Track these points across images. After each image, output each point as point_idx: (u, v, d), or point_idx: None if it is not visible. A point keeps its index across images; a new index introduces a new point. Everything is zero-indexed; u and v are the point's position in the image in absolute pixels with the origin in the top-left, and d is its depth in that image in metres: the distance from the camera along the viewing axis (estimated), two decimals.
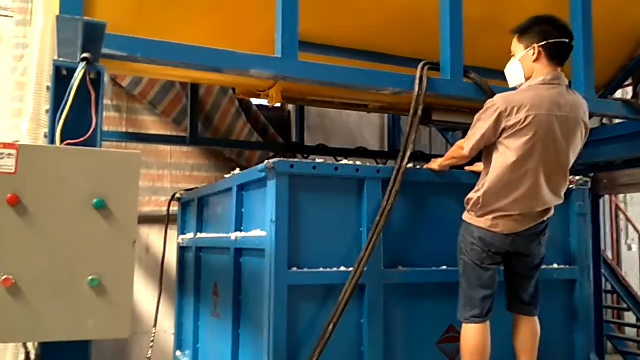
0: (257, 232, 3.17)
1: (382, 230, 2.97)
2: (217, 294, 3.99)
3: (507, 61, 3.06)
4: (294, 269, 2.90)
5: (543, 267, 3.13)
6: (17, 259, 1.81)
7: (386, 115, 7.55)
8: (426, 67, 3.35)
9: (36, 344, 2.11)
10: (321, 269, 2.95)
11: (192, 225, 4.65)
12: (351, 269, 2.93)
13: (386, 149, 7.10)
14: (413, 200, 3.25)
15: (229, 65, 2.98)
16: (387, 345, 3.05)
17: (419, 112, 3.22)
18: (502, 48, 3.14)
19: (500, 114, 2.75)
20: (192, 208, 4.73)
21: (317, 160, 3.13)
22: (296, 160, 3.04)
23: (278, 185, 2.90)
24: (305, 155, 6.61)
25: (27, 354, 2.11)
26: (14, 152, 1.85)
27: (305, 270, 2.92)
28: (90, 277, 1.88)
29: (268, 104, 4.45)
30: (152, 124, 6.79)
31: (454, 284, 3.01)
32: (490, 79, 3.57)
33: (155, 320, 5.02)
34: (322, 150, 6.11)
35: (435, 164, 3.23)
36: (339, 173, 3.07)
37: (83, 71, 2.19)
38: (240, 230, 3.48)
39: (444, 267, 3.19)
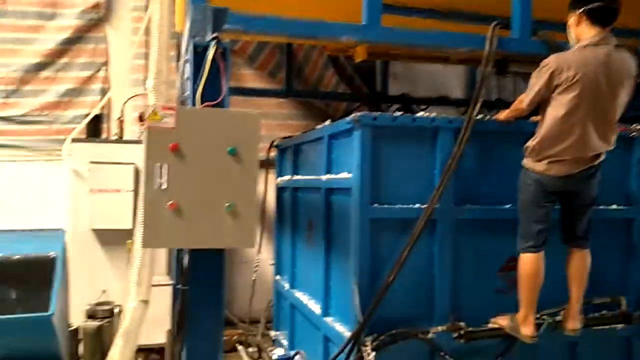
0: (344, 175, 3.78)
1: (453, 172, 3.48)
2: (311, 227, 4.69)
3: None
4: (375, 205, 3.50)
5: (603, 207, 3.55)
6: (178, 190, 2.53)
7: None
8: (497, 27, 3.73)
9: None
10: (398, 205, 3.54)
11: (288, 168, 5.35)
12: (425, 205, 3.48)
13: (470, 97, 7.26)
14: (481, 146, 3.71)
15: (322, 34, 3.54)
16: (454, 271, 3.62)
17: (489, 70, 3.64)
18: None
19: (552, 73, 3.16)
20: (288, 154, 5.42)
21: (397, 111, 3.64)
22: (378, 113, 3.57)
23: (362, 135, 3.47)
24: (389, 105, 7.07)
25: None
26: (173, 112, 2.54)
27: (385, 206, 3.52)
28: (227, 204, 2.58)
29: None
30: (250, 77, 7.53)
31: (514, 219, 3.50)
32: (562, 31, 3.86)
33: (259, 250, 5.88)
34: (405, 99, 6.53)
35: (501, 115, 3.67)
36: (416, 123, 3.59)
37: (214, 48, 2.83)
38: (330, 173, 4.11)
39: (507, 206, 3.67)
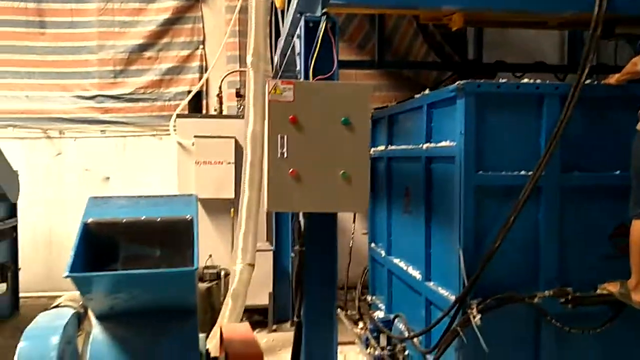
0: (446, 143, 3.83)
1: (559, 139, 3.44)
2: (408, 195, 4.79)
3: None
4: (480, 172, 3.54)
5: None
6: (298, 158, 2.72)
7: None
8: None
9: None
10: (503, 173, 3.56)
11: (383, 139, 5.45)
12: (530, 173, 3.48)
13: (566, 62, 7.04)
14: (589, 112, 3.63)
15: (424, 4, 3.57)
16: (561, 237, 3.61)
17: (598, 32, 3.53)
18: None
19: None
20: (382, 124, 5.51)
21: (485, 78, 3.62)
22: (482, 80, 3.57)
23: (467, 103, 3.50)
24: (483, 73, 6.92)
25: None
26: (291, 86, 2.72)
27: (489, 173, 3.55)
28: (342, 171, 2.74)
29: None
30: (340, 49, 7.62)
31: (624, 186, 3.42)
32: None
33: (354, 219, 6.07)
34: (499, 66, 6.40)
35: (612, 79, 3.56)
36: (520, 91, 3.57)
37: (325, 23, 2.96)
38: (430, 142, 4.17)
39: (616, 172, 3.59)
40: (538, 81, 3.67)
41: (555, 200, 3.58)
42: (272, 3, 5.52)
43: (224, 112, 7.14)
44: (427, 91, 4.29)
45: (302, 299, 3.00)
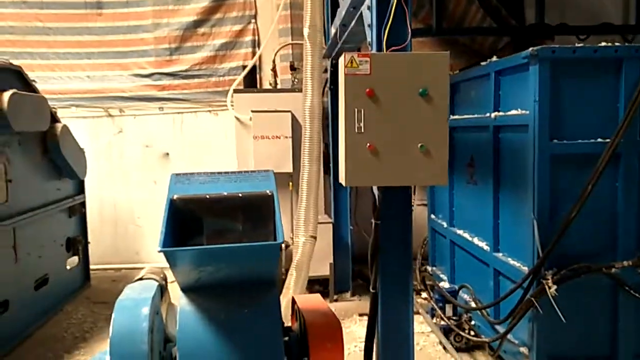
0: (517, 112, 3.75)
1: (639, 104, 3.31)
2: (473, 165, 4.73)
3: None
4: (555, 141, 3.45)
5: None
6: (375, 132, 2.72)
7: None
8: None
9: None
10: (579, 141, 3.46)
11: None
12: (607, 140, 3.37)
13: (633, 22, 6.67)
14: None
15: None
16: None
17: None
18: None
19: None
20: None
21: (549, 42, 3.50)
22: (557, 45, 3.46)
23: (540, 69, 3.40)
24: (542, 37, 6.67)
25: None
26: (368, 59, 2.70)
27: (565, 141, 3.46)
28: (420, 144, 2.72)
29: None
30: None
31: None
32: None
33: (413, 190, 6.03)
34: (561, 29, 6.14)
35: None
36: (598, 55, 3.44)
37: None
38: (499, 111, 4.08)
39: None
40: (617, 43, 3.52)
41: (634, 167, 3.46)
42: None
43: (278, 86, 7.16)
44: (494, 58, 4.18)
45: (377, 271, 3.03)
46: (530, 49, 3.43)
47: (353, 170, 2.74)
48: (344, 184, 2.78)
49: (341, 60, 2.75)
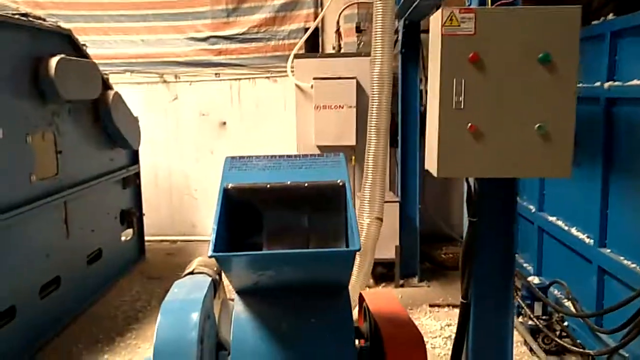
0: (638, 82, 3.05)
1: None
2: (576, 144, 4.03)
3: None
4: None
5: None
6: (479, 109, 2.14)
7: None
8: None
9: None
10: None
11: None
12: None
13: None
14: None
15: None
16: None
17: None
18: None
19: None
20: None
21: None
22: None
23: None
24: None
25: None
26: (472, 16, 2.10)
27: None
28: (538, 124, 2.13)
29: None
30: None
31: None
32: None
33: None
34: None
35: None
36: None
37: None
38: (614, 80, 3.38)
39: None
40: None
41: None
42: None
43: (342, 50, 6.55)
44: (610, 16, 3.45)
45: (470, 277, 2.49)
46: None
47: (448, 157, 2.18)
48: (435, 174, 2.23)
49: (436, 17, 2.17)
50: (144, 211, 6.73)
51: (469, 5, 2.47)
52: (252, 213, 2.35)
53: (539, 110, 2.13)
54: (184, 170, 7.50)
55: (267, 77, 7.38)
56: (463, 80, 2.13)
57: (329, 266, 2.12)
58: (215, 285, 2.84)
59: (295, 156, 2.50)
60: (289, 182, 2.29)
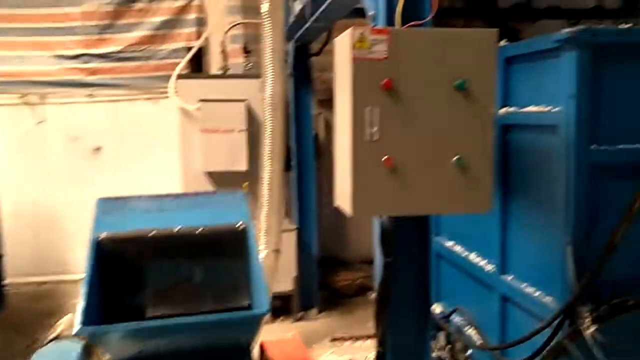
0: (539, 108, 3.05)
1: None
2: None
3: None
4: (594, 146, 2.77)
5: None
6: (394, 141, 1.93)
7: None
8: None
9: None
10: (623, 146, 2.80)
11: None
12: None
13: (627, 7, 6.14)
14: None
15: None
16: None
17: None
18: None
19: None
20: None
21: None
22: (600, 26, 2.78)
23: (580, 56, 2.69)
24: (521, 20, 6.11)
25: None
26: (385, 37, 1.89)
27: (606, 147, 2.78)
28: (455, 156, 1.95)
29: None
30: None
31: None
32: None
33: None
34: (554, 12, 5.56)
35: None
36: None
37: None
38: (508, 106, 3.38)
39: None
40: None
41: None
42: None
43: (230, 71, 6.22)
44: (502, 42, 3.46)
45: (385, 323, 2.26)
46: (567, 30, 2.72)
47: (363, 196, 1.93)
48: (349, 213, 1.97)
49: (343, 39, 1.94)
50: (3, 251, 5.85)
51: (375, 26, 2.27)
52: (132, 268, 1.94)
53: (457, 141, 1.96)
54: (52, 201, 6.67)
55: (148, 99, 6.84)
56: (377, 109, 1.90)
57: (230, 332, 1.77)
58: (89, 351, 2.36)
59: (185, 195, 2.12)
60: (177, 229, 1.91)
